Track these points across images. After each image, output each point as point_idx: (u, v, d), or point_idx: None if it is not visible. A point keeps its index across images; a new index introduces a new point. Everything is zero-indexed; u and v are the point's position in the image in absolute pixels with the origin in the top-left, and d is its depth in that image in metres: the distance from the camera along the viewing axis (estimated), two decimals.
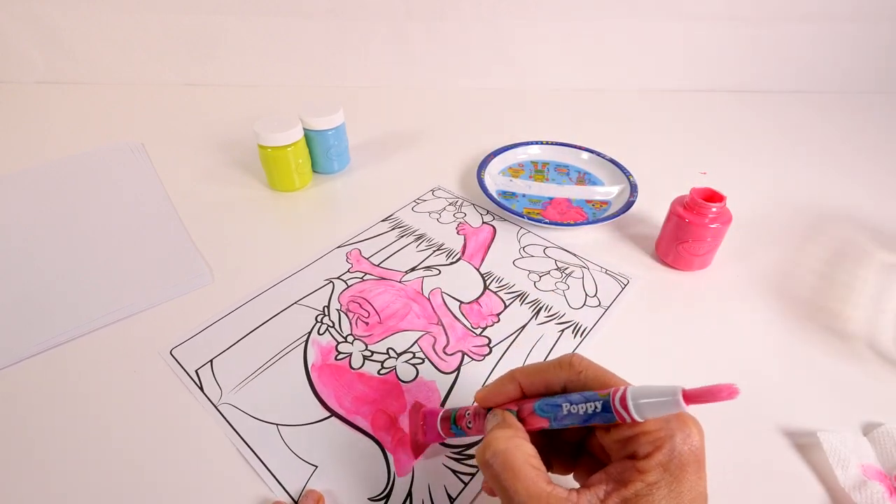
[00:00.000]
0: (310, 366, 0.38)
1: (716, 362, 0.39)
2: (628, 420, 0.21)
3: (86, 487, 0.31)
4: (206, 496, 0.31)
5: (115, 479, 0.32)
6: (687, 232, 0.44)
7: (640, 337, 0.41)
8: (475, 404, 0.28)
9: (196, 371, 0.38)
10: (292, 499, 0.31)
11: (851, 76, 0.81)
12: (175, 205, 0.54)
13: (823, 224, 0.54)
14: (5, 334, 0.40)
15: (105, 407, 0.35)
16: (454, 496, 0.31)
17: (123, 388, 0.37)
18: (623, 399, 0.21)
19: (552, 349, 0.40)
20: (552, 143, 0.63)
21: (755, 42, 0.78)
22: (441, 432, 0.30)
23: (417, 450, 0.32)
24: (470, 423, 0.28)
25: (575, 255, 0.49)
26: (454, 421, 0.29)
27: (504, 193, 0.57)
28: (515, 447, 0.22)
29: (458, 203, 0.56)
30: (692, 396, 0.19)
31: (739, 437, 0.34)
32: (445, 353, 0.39)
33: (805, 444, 0.34)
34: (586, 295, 0.45)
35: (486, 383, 0.32)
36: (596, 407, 0.22)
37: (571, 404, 0.23)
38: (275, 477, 0.32)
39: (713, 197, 0.43)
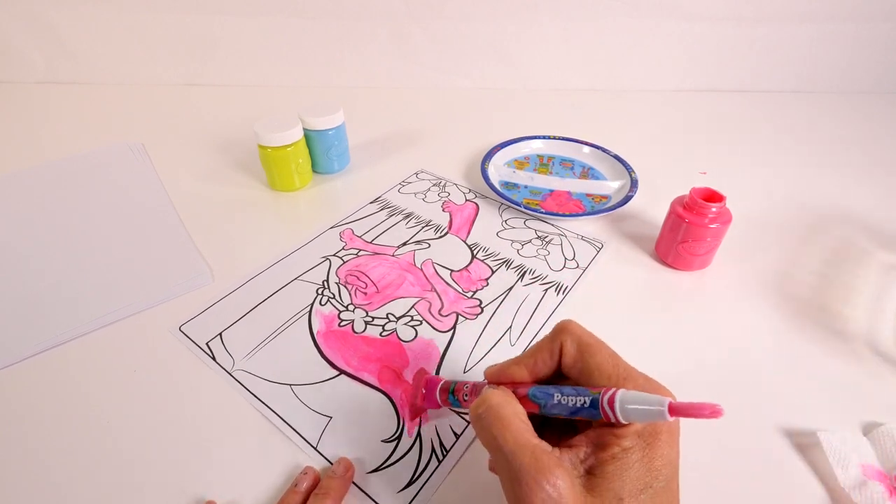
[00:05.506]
0: (315, 333, 0.41)
1: (716, 362, 0.39)
2: (612, 420, 0.22)
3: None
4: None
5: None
6: (687, 232, 0.44)
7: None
8: (473, 381, 0.30)
9: (207, 343, 0.40)
10: (314, 448, 0.33)
11: (851, 76, 0.81)
12: (175, 205, 0.54)
13: (823, 224, 0.54)
14: (5, 334, 0.40)
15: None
16: (459, 433, 0.34)
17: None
18: (612, 401, 0.22)
19: (537, 306, 0.44)
20: (557, 138, 0.64)
21: (755, 42, 0.78)
22: (439, 400, 0.32)
23: (414, 413, 0.34)
24: (467, 395, 0.29)
25: (553, 224, 0.53)
26: (452, 392, 0.31)
27: (506, 184, 0.58)
28: (506, 403, 0.24)
29: (442, 183, 0.59)
30: (678, 409, 0.20)
31: (739, 437, 0.34)
32: (441, 314, 0.42)
33: (805, 444, 0.34)
34: (565, 259, 0.48)
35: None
36: (584, 402, 0.23)
37: (563, 395, 0.24)
38: (293, 429, 0.34)
39: (713, 197, 0.43)
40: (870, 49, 0.79)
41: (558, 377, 0.27)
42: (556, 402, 0.24)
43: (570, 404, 0.23)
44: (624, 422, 0.22)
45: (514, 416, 0.23)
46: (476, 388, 0.29)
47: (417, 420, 0.34)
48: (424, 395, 0.33)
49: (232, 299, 0.43)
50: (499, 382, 0.27)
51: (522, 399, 0.25)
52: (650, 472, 0.22)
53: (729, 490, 0.31)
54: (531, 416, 0.25)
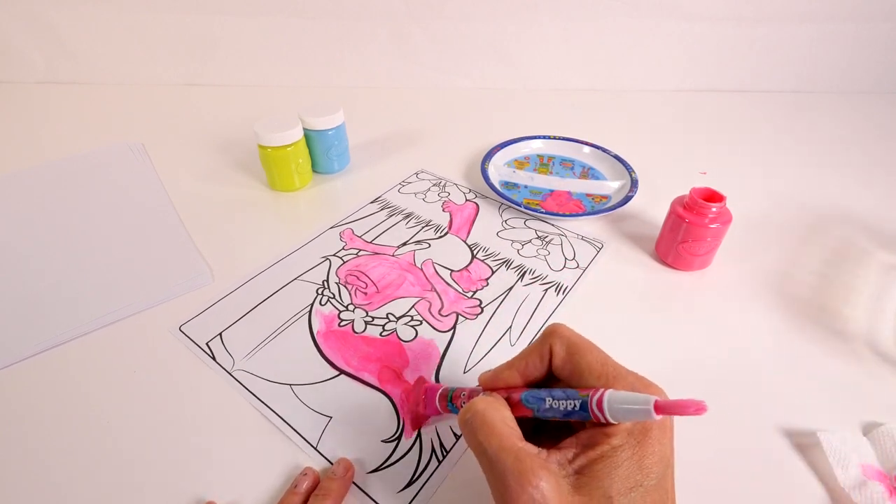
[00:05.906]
0: (315, 333, 0.41)
1: (716, 362, 0.39)
2: (602, 421, 0.22)
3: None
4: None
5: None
6: (687, 232, 0.44)
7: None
8: (470, 388, 0.30)
9: (207, 343, 0.40)
10: (314, 448, 0.33)
11: (851, 76, 0.81)
12: (175, 205, 0.54)
13: (823, 224, 0.54)
14: (5, 334, 0.40)
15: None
16: (459, 433, 0.34)
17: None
18: (600, 402, 0.22)
19: (537, 306, 0.44)
20: (557, 138, 0.64)
21: (755, 42, 0.78)
22: (438, 407, 0.32)
23: (416, 421, 0.34)
24: (464, 402, 0.29)
25: (553, 224, 0.53)
26: (450, 399, 0.31)
27: (506, 184, 0.58)
28: (493, 409, 0.24)
29: (442, 183, 0.59)
30: (663, 408, 0.20)
31: (739, 437, 0.34)
32: (441, 314, 0.43)
33: (805, 444, 0.34)
34: (565, 259, 0.48)
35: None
36: (575, 405, 0.23)
37: (554, 399, 0.24)
38: (293, 429, 0.34)
39: (713, 197, 0.43)
40: (870, 49, 0.79)
41: (550, 379, 0.27)
42: (548, 406, 0.24)
43: (562, 408, 0.24)
44: (613, 422, 0.22)
45: (499, 420, 0.24)
46: (472, 395, 0.29)
47: (419, 426, 0.34)
48: (425, 402, 0.33)
49: (232, 299, 0.43)
50: (492, 388, 0.27)
51: (516, 404, 0.26)
52: (641, 470, 0.22)
53: (728, 490, 0.31)
54: (527, 420, 0.25)
